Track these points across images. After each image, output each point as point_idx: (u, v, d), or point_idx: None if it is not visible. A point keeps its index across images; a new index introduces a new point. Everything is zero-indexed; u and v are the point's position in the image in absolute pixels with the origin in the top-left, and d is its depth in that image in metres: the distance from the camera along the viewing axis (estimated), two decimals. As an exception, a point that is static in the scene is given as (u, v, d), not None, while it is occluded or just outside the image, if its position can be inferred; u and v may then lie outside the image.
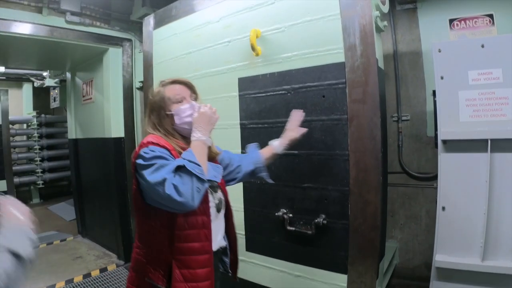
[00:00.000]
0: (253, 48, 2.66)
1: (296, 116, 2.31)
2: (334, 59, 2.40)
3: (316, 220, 2.51)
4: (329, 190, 2.48)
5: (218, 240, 1.97)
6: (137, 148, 1.75)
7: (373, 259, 2.34)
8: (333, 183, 2.46)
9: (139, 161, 1.66)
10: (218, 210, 1.95)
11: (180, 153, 1.72)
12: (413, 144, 3.71)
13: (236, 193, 3.01)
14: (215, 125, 1.86)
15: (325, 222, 2.49)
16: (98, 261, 5.38)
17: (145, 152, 1.65)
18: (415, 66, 3.67)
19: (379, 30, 2.57)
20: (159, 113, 1.91)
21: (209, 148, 1.86)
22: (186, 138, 1.89)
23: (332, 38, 2.40)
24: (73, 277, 4.70)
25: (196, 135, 1.77)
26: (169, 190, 1.50)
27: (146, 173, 1.60)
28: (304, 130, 2.30)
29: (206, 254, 1.80)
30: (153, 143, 1.70)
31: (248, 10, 2.86)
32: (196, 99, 1.97)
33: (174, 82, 1.97)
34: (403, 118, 3.69)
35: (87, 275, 4.80)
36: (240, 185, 2.99)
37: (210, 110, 1.82)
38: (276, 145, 2.28)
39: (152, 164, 1.61)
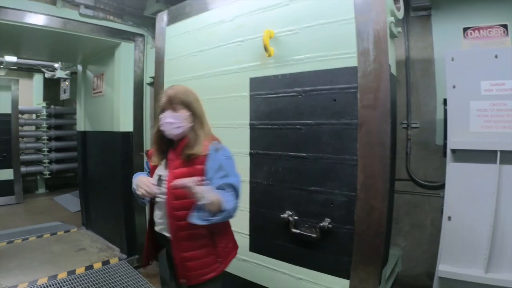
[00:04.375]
0: (266, 49, 2.66)
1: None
2: (347, 63, 2.39)
3: (321, 224, 2.50)
4: (336, 194, 2.47)
5: (156, 221, 2.37)
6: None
7: (376, 265, 2.33)
8: (340, 187, 2.45)
9: None
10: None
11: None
12: (421, 152, 3.70)
13: (242, 193, 3.01)
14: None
15: (330, 226, 2.48)
16: (100, 253, 5.41)
17: None
18: (426, 74, 3.65)
19: (393, 36, 2.56)
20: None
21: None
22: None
23: (346, 42, 2.39)
24: (75, 268, 4.73)
25: None
26: None
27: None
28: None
29: (149, 225, 2.46)
30: None
31: (262, 10, 2.86)
32: (175, 109, 2.22)
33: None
34: (413, 125, 3.68)
35: (89, 267, 4.83)
36: (247, 185, 2.99)
37: None
38: None
39: None
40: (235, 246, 2.46)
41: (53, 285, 4.17)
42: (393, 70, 2.70)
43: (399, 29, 2.68)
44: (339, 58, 2.42)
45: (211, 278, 2.24)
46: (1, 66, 8.44)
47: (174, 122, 2.17)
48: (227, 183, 2.12)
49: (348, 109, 2.38)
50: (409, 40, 3.71)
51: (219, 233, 2.27)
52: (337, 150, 2.44)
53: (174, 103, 2.21)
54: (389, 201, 2.42)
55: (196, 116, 2.26)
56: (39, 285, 4.23)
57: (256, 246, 3.01)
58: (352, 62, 2.36)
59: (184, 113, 2.21)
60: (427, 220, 3.67)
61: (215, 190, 2.06)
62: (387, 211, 2.32)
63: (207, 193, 1.97)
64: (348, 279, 2.44)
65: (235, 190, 2.14)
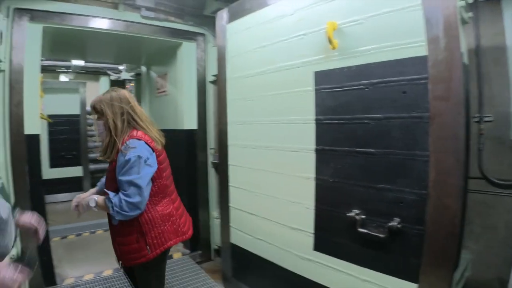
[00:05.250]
0: (329, 41, 2.58)
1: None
2: (416, 53, 2.24)
3: (390, 224, 2.37)
4: (406, 192, 2.33)
5: None
6: None
7: (447, 269, 2.19)
8: (410, 185, 2.31)
9: None
10: None
11: None
12: (494, 147, 3.45)
13: (306, 190, 2.97)
14: None
15: (399, 226, 2.34)
16: (165, 248, 5.53)
17: None
18: (498, 63, 3.40)
19: (463, 21, 2.39)
20: None
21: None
22: None
23: (413, 30, 2.24)
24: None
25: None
26: None
27: None
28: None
29: None
30: None
31: (324, 2, 2.77)
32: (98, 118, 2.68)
33: None
34: (485, 119, 3.45)
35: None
36: (312, 183, 2.93)
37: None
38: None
39: None
40: (168, 240, 2.70)
41: (117, 277, 4.33)
42: (465, 59, 2.54)
43: (470, 14, 2.51)
44: (407, 47, 2.29)
45: (141, 263, 2.62)
46: (70, 70, 8.90)
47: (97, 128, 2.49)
48: (127, 180, 2.43)
49: (419, 101, 2.24)
50: (478, 27, 3.48)
51: (147, 225, 2.60)
52: (407, 145, 2.31)
53: (93, 111, 2.71)
54: (462, 200, 2.27)
55: (107, 120, 2.59)
56: (104, 276, 4.41)
57: (320, 245, 2.94)
58: (422, 51, 2.22)
59: (98, 120, 2.66)
60: (500, 221, 3.43)
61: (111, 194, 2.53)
62: (460, 211, 2.16)
63: (91, 201, 2.60)
64: (416, 283, 2.30)
65: (134, 185, 2.43)
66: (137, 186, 2.43)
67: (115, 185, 2.55)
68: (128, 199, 2.42)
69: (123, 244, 2.64)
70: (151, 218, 2.62)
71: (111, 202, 2.47)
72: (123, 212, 2.44)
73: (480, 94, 3.43)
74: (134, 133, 2.60)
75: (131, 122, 2.64)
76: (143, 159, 2.47)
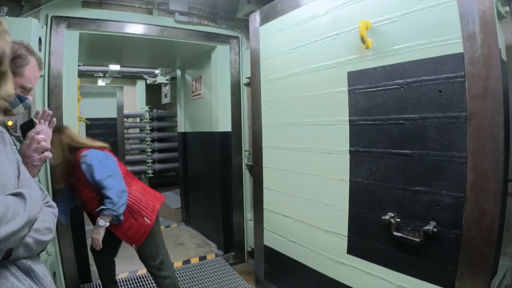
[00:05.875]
0: (363, 41, 2.53)
1: None
2: (451, 50, 2.17)
3: (426, 228, 2.28)
4: (442, 195, 2.25)
5: None
6: None
7: (484, 276, 2.08)
8: (447, 187, 2.23)
9: None
10: None
11: None
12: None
13: (340, 192, 2.93)
14: None
15: (435, 230, 2.25)
16: (198, 249, 5.67)
17: None
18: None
19: (500, 16, 2.28)
20: None
21: None
22: None
23: (448, 27, 2.17)
24: (173, 262, 4.90)
25: None
26: None
27: None
28: None
29: None
30: None
31: (356, 1, 2.73)
32: None
33: None
34: (528, 119, 3.30)
35: (186, 262, 5.09)
36: (346, 185, 2.89)
37: None
38: None
39: None
40: (155, 204, 3.31)
41: (150, 277, 4.36)
42: (503, 55, 2.44)
43: (507, 8, 2.40)
44: (442, 44, 2.21)
45: (148, 235, 3.14)
46: (107, 75, 9.15)
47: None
48: (100, 178, 2.94)
49: (456, 101, 2.16)
50: (516, 22, 3.33)
51: (135, 203, 3.13)
52: (444, 146, 2.23)
53: None
54: (502, 204, 2.16)
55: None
56: (139, 275, 4.53)
57: (353, 248, 2.88)
58: (457, 48, 2.14)
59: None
60: (543, 226, 3.28)
61: None
62: (499, 216, 2.05)
63: (100, 224, 2.97)
64: (452, 289, 2.22)
65: (109, 177, 2.97)
66: (111, 176, 2.95)
67: (91, 194, 3.02)
68: (112, 191, 2.89)
69: (127, 229, 3.08)
70: (134, 196, 3.13)
71: (108, 208, 2.87)
72: (120, 203, 2.90)
73: (519, 93, 3.29)
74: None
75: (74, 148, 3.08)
76: (100, 158, 2.99)
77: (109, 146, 3.30)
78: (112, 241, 3.27)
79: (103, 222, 2.93)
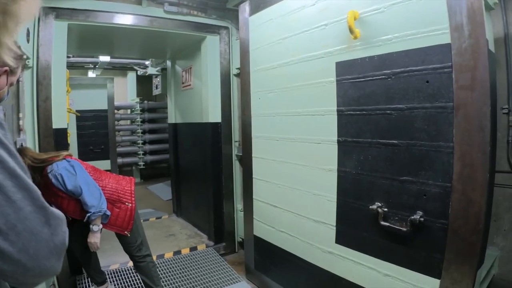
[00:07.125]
0: (351, 31, 2.53)
1: None
2: (439, 41, 2.17)
3: (413, 217, 2.31)
4: (429, 185, 2.27)
5: None
6: None
7: (471, 265, 2.11)
8: (434, 177, 2.25)
9: None
10: None
11: None
12: (524, 140, 3.35)
13: (329, 182, 2.95)
14: None
15: (422, 219, 2.28)
16: (189, 240, 5.69)
17: None
18: (528, 52, 3.28)
19: (488, 7, 2.31)
20: None
21: None
22: None
23: (436, 18, 2.17)
24: (164, 253, 5.02)
25: None
26: None
27: None
28: None
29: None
30: None
31: (345, -9, 2.73)
32: None
33: None
34: (515, 110, 3.33)
35: (177, 252, 5.10)
36: (334, 174, 2.91)
37: None
38: None
39: None
40: (130, 187, 3.37)
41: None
42: (491, 47, 2.45)
43: (496, 0, 2.42)
44: (430, 35, 2.21)
45: (132, 217, 3.27)
46: (97, 66, 9.08)
47: None
48: (73, 186, 2.95)
49: (443, 91, 2.17)
50: (507, 15, 3.35)
51: (112, 193, 3.23)
52: (431, 136, 2.24)
53: None
54: (488, 195, 2.17)
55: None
56: (130, 266, 4.51)
57: (341, 238, 2.91)
58: (445, 38, 2.14)
59: None
60: (530, 216, 3.32)
61: None
62: (486, 206, 2.07)
63: (94, 230, 3.10)
64: (439, 278, 2.24)
65: (81, 184, 3.00)
66: (81, 181, 2.95)
67: (73, 202, 3.02)
68: (88, 194, 2.95)
69: (115, 220, 3.20)
70: (109, 188, 3.23)
71: (92, 213, 2.97)
72: (101, 202, 3.01)
73: (508, 84, 3.31)
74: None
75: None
76: (65, 167, 2.96)
77: (70, 152, 3.34)
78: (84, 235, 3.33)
79: (97, 227, 3.05)
